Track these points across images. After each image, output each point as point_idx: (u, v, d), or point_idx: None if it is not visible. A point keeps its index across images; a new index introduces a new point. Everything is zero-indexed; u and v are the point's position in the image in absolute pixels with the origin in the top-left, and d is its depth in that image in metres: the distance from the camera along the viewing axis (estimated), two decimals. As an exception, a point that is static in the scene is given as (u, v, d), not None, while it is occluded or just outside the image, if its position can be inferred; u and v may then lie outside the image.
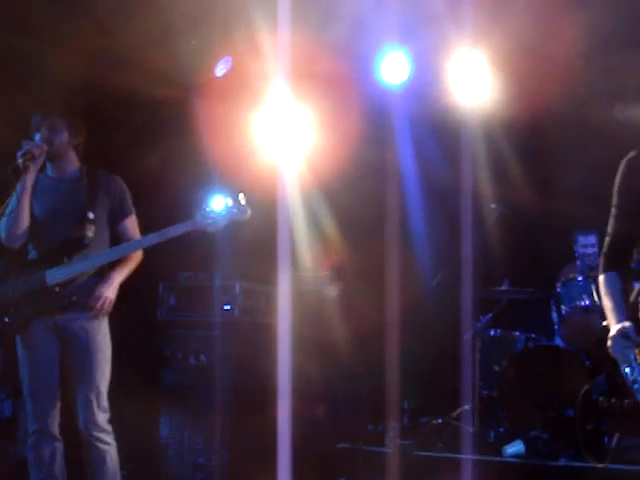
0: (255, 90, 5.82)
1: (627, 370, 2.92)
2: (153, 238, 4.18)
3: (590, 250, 6.37)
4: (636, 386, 2.89)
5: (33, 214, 4.21)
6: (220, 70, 6.00)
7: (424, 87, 6.14)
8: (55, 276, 4.09)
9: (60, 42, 5.04)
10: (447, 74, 5.87)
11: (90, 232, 4.17)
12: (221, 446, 5.46)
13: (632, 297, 3.08)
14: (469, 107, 5.97)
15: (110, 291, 4.18)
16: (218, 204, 4.13)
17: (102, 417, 4.14)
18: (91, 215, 4.20)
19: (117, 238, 4.33)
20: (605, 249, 3.19)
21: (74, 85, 5.04)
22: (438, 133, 6.55)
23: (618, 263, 3.13)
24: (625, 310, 3.02)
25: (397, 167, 6.48)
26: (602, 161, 5.97)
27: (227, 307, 5.66)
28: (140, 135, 5.92)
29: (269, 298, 5.87)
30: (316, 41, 5.27)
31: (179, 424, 5.61)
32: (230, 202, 4.13)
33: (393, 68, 6.00)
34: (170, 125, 5.91)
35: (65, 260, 4.11)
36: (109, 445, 4.17)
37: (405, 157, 6.61)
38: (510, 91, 5.71)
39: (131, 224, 4.37)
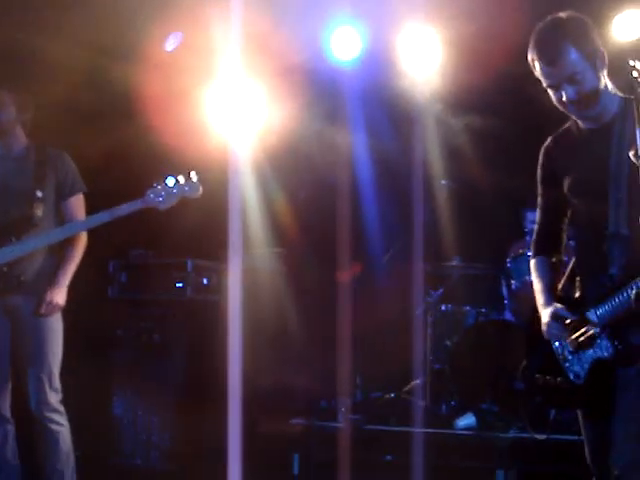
0: (205, 65, 5.76)
1: (557, 348, 3.00)
2: (103, 216, 4.10)
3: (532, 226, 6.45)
4: (567, 364, 2.97)
5: None
6: (170, 45, 5.92)
7: (375, 63, 6.14)
8: (3, 256, 4.02)
9: (4, 15, 4.93)
10: (399, 50, 5.88)
11: (39, 211, 4.11)
12: (174, 424, 5.45)
13: (567, 272, 3.16)
14: (420, 83, 5.99)
15: (60, 297, 4.13)
16: (169, 182, 4.09)
17: (54, 398, 4.12)
18: (39, 194, 4.13)
19: (61, 216, 4.27)
20: (534, 236, 3.29)
21: (20, 60, 4.94)
22: (389, 109, 6.56)
23: (547, 248, 3.22)
24: (552, 292, 3.11)
25: (348, 144, 6.48)
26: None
27: (179, 285, 5.63)
28: (88, 111, 5.82)
29: (221, 275, 5.86)
30: (267, 15, 5.23)
31: (132, 403, 5.59)
32: (181, 180, 4.09)
33: (345, 44, 5.98)
34: (119, 101, 5.82)
35: (13, 240, 4.05)
36: (62, 426, 4.15)
37: (356, 134, 6.61)
38: (461, 68, 5.74)
39: (76, 202, 4.30)
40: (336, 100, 6.22)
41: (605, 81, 2.90)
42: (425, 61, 5.85)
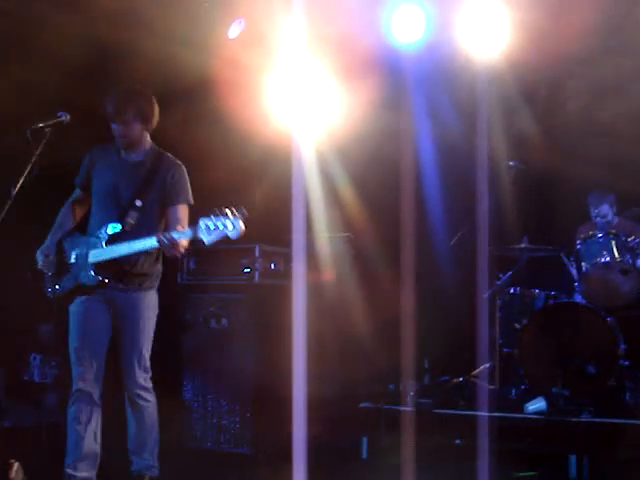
0: (269, 52, 5.77)
1: None
2: (151, 241, 4.16)
3: (600, 220, 6.29)
4: None
5: (95, 186, 4.40)
6: (233, 32, 5.94)
7: (439, 44, 6.07)
8: (95, 256, 4.24)
9: (75, 6, 5.02)
10: (463, 28, 5.78)
11: (132, 219, 4.27)
12: (243, 408, 5.50)
13: None
14: (485, 64, 5.90)
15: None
16: (217, 222, 4.06)
17: (143, 376, 4.41)
18: (138, 203, 4.30)
19: (167, 223, 4.37)
20: None
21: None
22: (453, 92, 6.50)
23: None
24: None
25: (412, 127, 6.43)
26: (619, 119, 5.96)
27: (247, 270, 5.68)
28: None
29: (289, 260, 5.89)
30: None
31: (202, 387, 5.66)
32: (228, 220, 4.06)
33: (408, 25, 5.93)
34: (184, 88, 5.87)
35: (103, 244, 4.23)
36: (148, 402, 4.44)
37: (420, 117, 6.56)
38: (529, 48, 5.64)
39: (178, 212, 4.37)
40: (399, 83, 6.17)
41: None
42: (490, 39, 5.73)
